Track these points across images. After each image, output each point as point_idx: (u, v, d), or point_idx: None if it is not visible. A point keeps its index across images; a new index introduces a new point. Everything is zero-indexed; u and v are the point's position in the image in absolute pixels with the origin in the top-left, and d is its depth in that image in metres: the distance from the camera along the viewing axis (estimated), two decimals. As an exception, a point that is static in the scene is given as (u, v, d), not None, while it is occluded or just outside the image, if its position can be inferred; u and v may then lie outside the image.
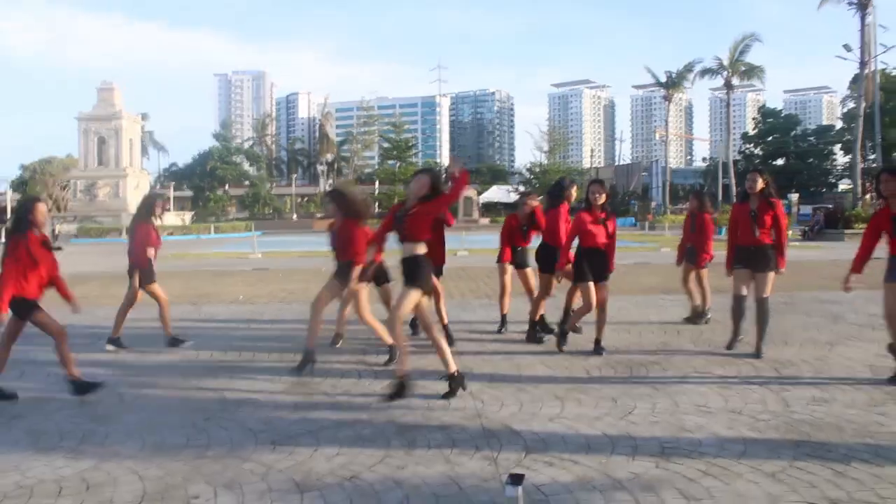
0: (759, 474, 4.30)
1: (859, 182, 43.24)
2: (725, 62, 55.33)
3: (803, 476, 4.27)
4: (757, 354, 7.43)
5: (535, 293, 8.63)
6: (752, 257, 7.54)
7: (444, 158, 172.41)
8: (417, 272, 6.05)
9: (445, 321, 8.29)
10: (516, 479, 3.84)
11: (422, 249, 6.12)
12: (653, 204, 65.00)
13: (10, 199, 76.26)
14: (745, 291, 7.67)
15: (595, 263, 7.65)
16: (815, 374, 6.77)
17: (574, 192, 8.88)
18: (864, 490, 4.05)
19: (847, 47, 39.65)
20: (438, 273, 8.02)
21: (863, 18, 37.43)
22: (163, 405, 6.01)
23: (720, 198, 58.34)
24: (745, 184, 7.64)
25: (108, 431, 5.34)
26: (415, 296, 6.03)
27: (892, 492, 4.01)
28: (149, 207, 8.59)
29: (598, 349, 7.67)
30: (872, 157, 76.37)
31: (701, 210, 9.78)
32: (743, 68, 55.74)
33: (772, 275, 7.53)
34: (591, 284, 7.60)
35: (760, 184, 7.52)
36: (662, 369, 7.04)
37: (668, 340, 8.48)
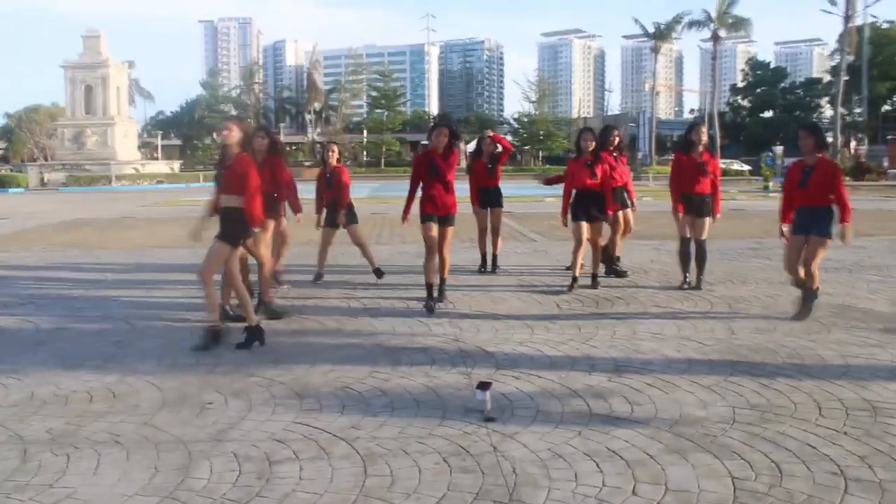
0: (696, 386, 5.00)
1: (839, 135, 43.78)
2: (713, 14, 55.41)
3: (733, 388, 4.96)
4: (698, 286, 8.34)
5: None
6: (697, 204, 8.28)
7: (433, 107, 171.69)
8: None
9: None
10: (484, 386, 4.56)
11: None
12: (639, 154, 65.46)
13: (-3, 147, 76.10)
14: (689, 234, 8.39)
15: (585, 204, 8.31)
16: (763, 308, 7.49)
17: (616, 136, 9.37)
18: (782, 397, 4.76)
19: (832, 0, 39.89)
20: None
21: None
22: (172, 333, 6.64)
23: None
24: (693, 135, 8.32)
25: (125, 354, 5.99)
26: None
27: (804, 398, 4.73)
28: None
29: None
30: (859, 111, 76.99)
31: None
32: (731, 20, 55.82)
33: (709, 220, 8.35)
34: (583, 224, 8.24)
35: (705, 137, 8.29)
36: (626, 304, 7.74)
37: (635, 279, 9.16)
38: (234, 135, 6.19)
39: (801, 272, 7.01)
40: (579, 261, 8.33)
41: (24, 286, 9.26)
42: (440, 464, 3.79)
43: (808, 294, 7.02)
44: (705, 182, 8.25)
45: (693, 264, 8.49)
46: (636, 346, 6.08)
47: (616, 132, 9.33)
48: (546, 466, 3.74)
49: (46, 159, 66.35)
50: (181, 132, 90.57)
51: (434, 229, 7.45)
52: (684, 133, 8.77)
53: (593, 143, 8.36)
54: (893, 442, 4.02)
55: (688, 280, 8.48)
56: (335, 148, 9.38)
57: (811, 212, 6.87)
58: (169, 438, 4.16)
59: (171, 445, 4.05)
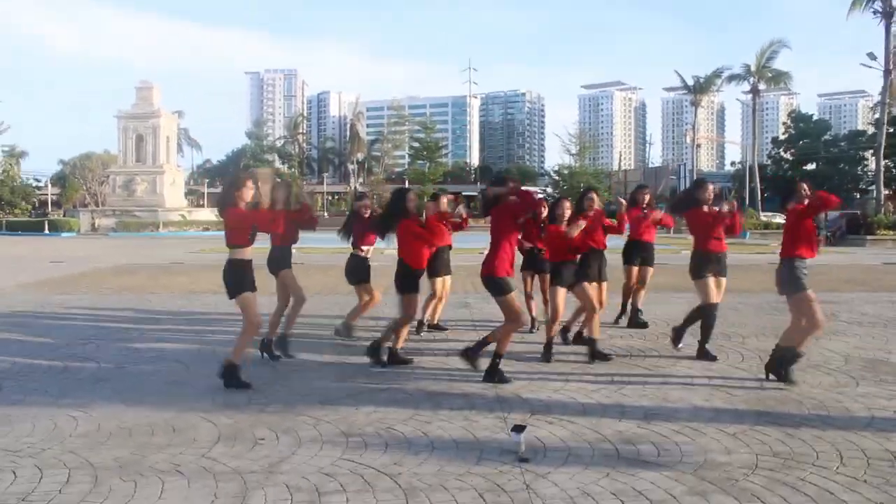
0: (722, 434, 5.23)
1: (882, 188, 43.46)
2: (753, 68, 55.66)
3: (758, 436, 5.18)
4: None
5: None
6: (720, 263, 7.85)
7: (475, 159, 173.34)
8: None
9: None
10: (519, 429, 4.85)
11: None
12: (680, 207, 65.30)
13: (50, 193, 78.67)
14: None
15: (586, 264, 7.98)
16: (793, 361, 7.64)
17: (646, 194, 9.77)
18: (805, 446, 4.96)
19: (871, 55, 39.98)
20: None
21: (888, 27, 37.74)
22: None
23: (747, 202, 58.64)
24: (699, 192, 7.81)
25: (182, 392, 6.39)
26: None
27: (826, 447, 4.93)
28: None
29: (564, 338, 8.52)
30: (903, 164, 76.09)
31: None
32: (770, 74, 56.02)
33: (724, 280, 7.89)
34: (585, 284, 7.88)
35: (712, 195, 7.80)
36: (659, 354, 7.96)
37: (667, 331, 9.35)
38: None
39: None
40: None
41: (84, 327, 9.78)
42: (477, 499, 4.08)
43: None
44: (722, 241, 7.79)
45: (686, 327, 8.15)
46: (665, 394, 6.32)
47: (646, 191, 9.70)
48: (575, 503, 4.01)
49: (97, 205, 68.46)
50: (227, 181, 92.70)
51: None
52: (691, 188, 8.28)
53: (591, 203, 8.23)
54: (911, 490, 4.21)
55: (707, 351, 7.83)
56: (367, 198, 9.32)
57: None
58: (225, 469, 4.51)
59: (228, 476, 4.40)
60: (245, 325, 6.60)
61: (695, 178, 68.68)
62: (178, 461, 4.66)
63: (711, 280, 7.67)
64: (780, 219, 58.90)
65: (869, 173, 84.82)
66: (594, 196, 8.37)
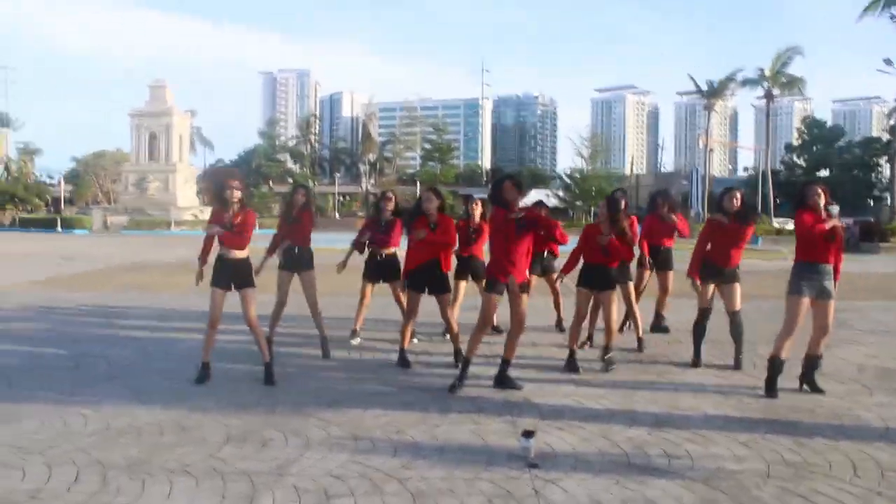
0: (733, 442, 5.19)
1: (896, 196, 43.20)
2: (767, 73, 55.44)
3: (769, 445, 5.14)
4: (738, 366, 7.63)
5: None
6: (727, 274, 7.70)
7: (486, 161, 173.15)
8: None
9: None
10: (528, 434, 4.82)
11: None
12: (691, 212, 65.14)
13: (63, 190, 79.04)
14: (711, 304, 7.80)
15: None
16: (805, 369, 7.57)
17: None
18: (817, 455, 4.92)
19: (888, 61, 39.74)
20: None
21: (904, 33, 37.53)
22: (234, 375, 7.03)
23: (759, 208, 58.36)
24: (725, 201, 7.65)
25: (191, 392, 6.39)
26: None
27: (839, 457, 4.88)
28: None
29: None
30: (919, 171, 75.51)
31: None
32: (784, 80, 55.76)
33: (739, 286, 7.73)
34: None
35: (739, 203, 7.60)
36: (669, 360, 7.91)
37: (679, 337, 9.31)
38: (238, 194, 6.85)
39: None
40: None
41: (95, 325, 9.81)
42: (485, 504, 4.06)
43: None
44: (738, 253, 7.68)
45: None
46: (676, 401, 6.28)
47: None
48: (584, 510, 3.99)
49: (110, 203, 68.84)
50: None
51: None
52: (718, 198, 8.06)
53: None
54: (925, 503, 4.16)
55: (697, 360, 7.73)
56: (392, 197, 8.88)
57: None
58: (234, 470, 4.50)
59: (237, 476, 4.40)
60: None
61: (706, 183, 68.48)
62: (187, 461, 4.65)
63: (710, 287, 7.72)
64: (791, 225, 58.69)
65: (883, 180, 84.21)
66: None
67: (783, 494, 4.24)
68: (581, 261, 7.80)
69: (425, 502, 4.07)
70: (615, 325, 7.66)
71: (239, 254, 6.81)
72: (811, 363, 6.70)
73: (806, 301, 6.52)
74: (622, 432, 5.39)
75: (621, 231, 7.41)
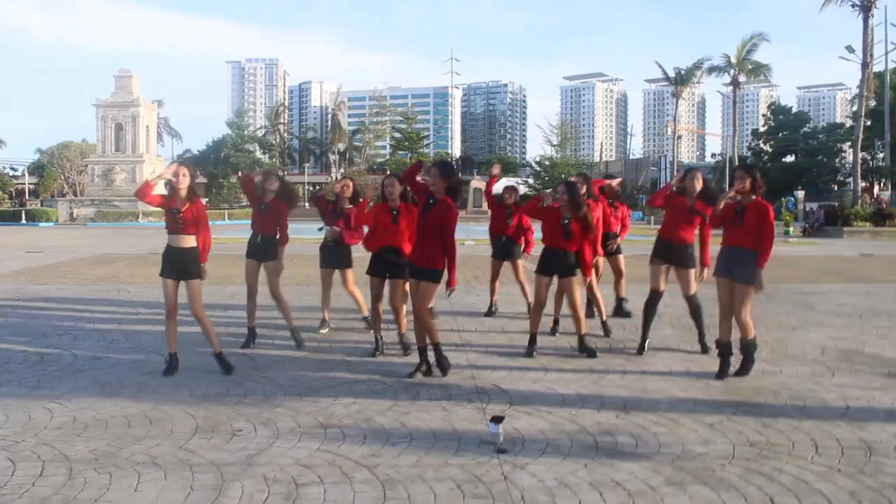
0: (699, 424, 5.26)
1: (859, 180, 43.84)
2: (733, 60, 55.95)
3: (735, 426, 5.22)
4: (704, 350, 7.67)
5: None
6: (678, 254, 7.64)
7: (456, 150, 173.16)
8: None
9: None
10: (497, 420, 4.85)
11: None
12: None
13: (28, 182, 77.80)
14: (661, 287, 7.77)
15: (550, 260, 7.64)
16: (770, 352, 7.68)
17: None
18: (781, 436, 5.01)
19: (850, 48, 40.23)
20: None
21: (865, 21, 37.99)
22: (203, 366, 6.96)
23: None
24: (687, 181, 7.59)
25: (159, 384, 6.33)
26: None
27: (802, 437, 4.97)
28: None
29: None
30: (882, 155, 76.77)
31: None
32: (750, 66, 56.31)
33: (694, 272, 7.64)
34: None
35: (700, 184, 7.56)
36: (637, 344, 7.97)
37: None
38: (187, 181, 6.69)
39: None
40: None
41: (61, 318, 9.67)
42: (454, 490, 4.08)
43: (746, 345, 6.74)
44: (689, 231, 7.59)
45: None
46: (644, 385, 6.35)
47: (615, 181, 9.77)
48: (553, 494, 4.02)
49: (76, 194, 67.76)
50: (207, 171, 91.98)
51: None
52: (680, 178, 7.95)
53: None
54: (885, 479, 4.26)
55: (645, 344, 7.72)
56: (350, 184, 8.65)
57: (736, 253, 6.60)
58: (202, 461, 4.48)
59: (205, 468, 4.37)
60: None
61: (675, 169, 69.05)
62: (155, 453, 4.62)
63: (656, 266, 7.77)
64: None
65: (847, 165, 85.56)
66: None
67: (747, 474, 4.31)
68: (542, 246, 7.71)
69: (395, 489, 4.07)
70: (581, 311, 7.62)
71: (184, 243, 6.64)
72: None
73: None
74: (591, 416, 5.44)
75: (583, 216, 7.34)
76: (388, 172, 7.95)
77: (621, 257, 9.66)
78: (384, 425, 5.22)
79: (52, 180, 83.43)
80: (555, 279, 7.58)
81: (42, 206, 59.69)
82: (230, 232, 33.93)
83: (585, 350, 7.50)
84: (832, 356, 7.54)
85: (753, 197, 6.59)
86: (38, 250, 22.47)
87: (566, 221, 7.36)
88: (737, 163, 61.99)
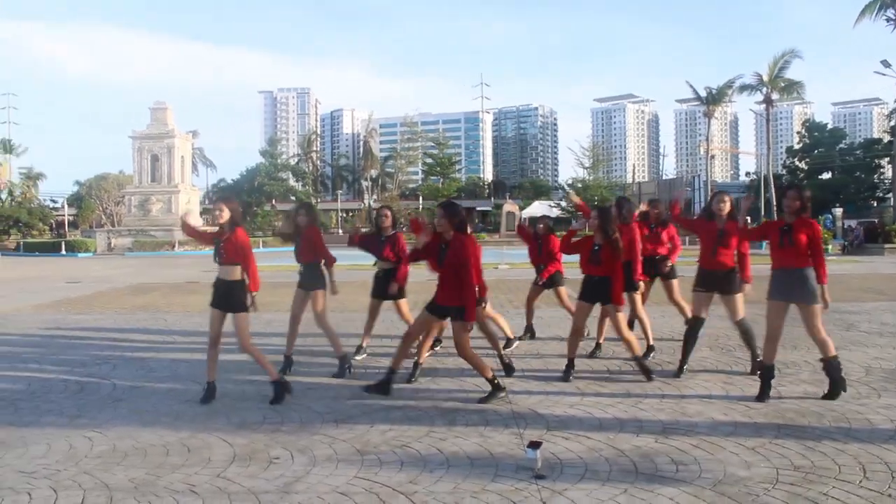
0: (741, 448, 5.16)
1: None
2: (765, 78, 55.49)
3: (778, 449, 5.11)
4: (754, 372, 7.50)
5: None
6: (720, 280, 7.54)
7: (488, 174, 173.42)
8: None
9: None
10: (535, 445, 4.80)
11: None
12: (695, 218, 65.03)
13: (67, 214, 79.30)
14: (703, 314, 7.63)
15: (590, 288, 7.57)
16: (812, 373, 7.53)
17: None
18: (826, 459, 4.89)
19: (885, 63, 39.73)
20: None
21: (902, 34, 37.57)
22: (240, 393, 7.01)
23: (762, 212, 58.36)
24: (714, 205, 7.56)
25: (196, 412, 6.38)
26: None
27: (848, 460, 4.85)
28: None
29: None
30: (920, 171, 75.42)
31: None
32: (783, 84, 55.79)
33: (740, 296, 7.55)
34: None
35: (728, 206, 7.52)
36: (675, 367, 7.87)
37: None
38: (225, 215, 6.72)
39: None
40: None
41: (100, 347, 9.81)
42: (492, 517, 4.04)
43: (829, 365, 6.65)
44: (727, 255, 7.47)
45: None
46: (683, 408, 6.25)
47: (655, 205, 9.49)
48: (593, 520, 3.96)
49: (113, 225, 68.91)
50: (241, 199, 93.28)
51: None
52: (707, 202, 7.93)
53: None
54: (935, 504, 4.13)
55: (684, 368, 7.65)
56: (388, 213, 8.72)
57: (791, 275, 6.59)
58: (240, 489, 4.49)
59: (243, 496, 4.38)
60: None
61: (709, 189, 68.46)
62: (193, 481, 4.64)
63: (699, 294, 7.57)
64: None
65: (886, 181, 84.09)
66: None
67: (792, 499, 4.22)
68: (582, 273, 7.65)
69: (432, 516, 4.05)
70: (627, 333, 7.44)
71: (228, 276, 6.69)
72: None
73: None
74: (629, 441, 5.36)
75: (613, 241, 7.25)
76: (440, 203, 7.85)
77: (675, 282, 9.23)
78: (421, 451, 5.20)
79: (91, 211, 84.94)
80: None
81: (81, 236, 60.73)
82: (266, 260, 34.24)
83: (643, 371, 7.39)
84: (877, 376, 7.37)
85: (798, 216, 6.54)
86: (77, 280, 22.86)
87: (597, 248, 7.34)
88: (772, 181, 61.45)
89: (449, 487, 4.47)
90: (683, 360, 7.67)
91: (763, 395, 6.50)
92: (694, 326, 7.65)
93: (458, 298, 6.50)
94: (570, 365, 7.50)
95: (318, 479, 4.67)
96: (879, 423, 5.76)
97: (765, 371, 6.65)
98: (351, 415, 6.18)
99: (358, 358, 8.58)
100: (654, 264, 9.02)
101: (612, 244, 7.27)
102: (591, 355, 8.51)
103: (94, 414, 6.34)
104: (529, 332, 9.95)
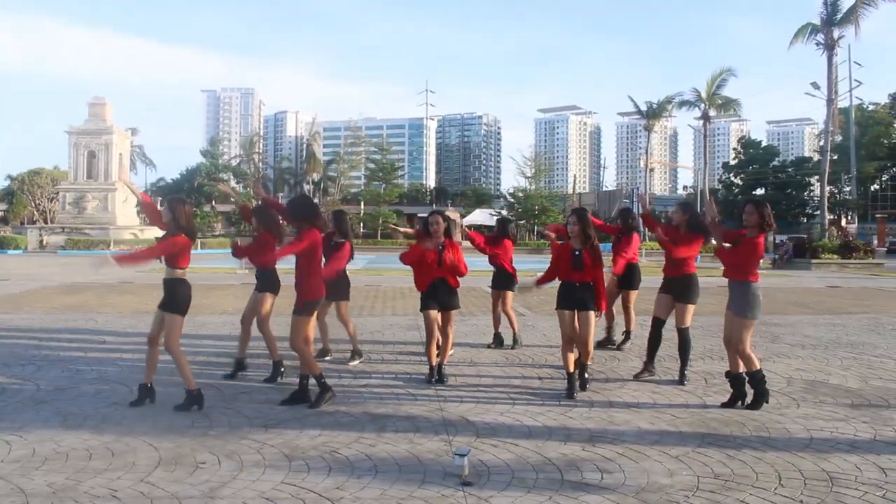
0: (665, 456, 5.29)
1: (826, 213, 44.60)
2: (703, 95, 56.86)
3: (700, 458, 5.25)
4: (681, 381, 7.82)
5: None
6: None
7: (431, 181, 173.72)
8: None
9: None
10: (462, 452, 4.83)
11: None
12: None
13: (-2, 209, 76.81)
14: (664, 316, 8.09)
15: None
16: (737, 383, 7.73)
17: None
18: (745, 468, 5.04)
19: (815, 85, 41.14)
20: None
21: (830, 59, 38.82)
22: (168, 397, 6.88)
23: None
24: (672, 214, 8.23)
25: (123, 415, 6.25)
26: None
27: (766, 468, 5.01)
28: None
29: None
30: (848, 189, 78.35)
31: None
32: (720, 101, 57.26)
33: (692, 307, 7.97)
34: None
35: (682, 216, 8.02)
36: (606, 377, 8.02)
37: (616, 354, 9.47)
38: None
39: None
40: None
41: (25, 347, 9.53)
42: (418, 523, 4.05)
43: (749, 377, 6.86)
44: (686, 263, 7.88)
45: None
46: (611, 417, 6.37)
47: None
48: (516, 527, 4.01)
49: (46, 222, 66.93)
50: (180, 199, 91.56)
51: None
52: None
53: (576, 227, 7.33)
54: (844, 511, 4.30)
55: (650, 368, 8.06)
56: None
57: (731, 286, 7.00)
58: (164, 495, 4.42)
59: (167, 501, 4.32)
60: None
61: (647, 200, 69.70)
62: (115, 486, 4.55)
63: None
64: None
65: (815, 198, 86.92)
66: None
67: (710, 506, 4.33)
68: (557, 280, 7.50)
69: (358, 522, 4.05)
70: (590, 344, 7.41)
71: (166, 273, 6.66)
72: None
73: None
74: (556, 448, 5.44)
75: (593, 247, 7.24)
76: (433, 211, 7.97)
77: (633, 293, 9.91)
78: (349, 457, 5.19)
79: (23, 207, 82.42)
80: None
81: (11, 233, 58.81)
82: (204, 262, 33.70)
83: (582, 381, 7.41)
84: (797, 387, 7.62)
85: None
86: (6, 278, 22.15)
87: (577, 253, 7.25)
88: (708, 195, 62.89)
89: (376, 494, 4.48)
90: (647, 362, 8.14)
91: (732, 402, 6.80)
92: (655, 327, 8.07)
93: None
94: (572, 378, 7.18)
95: (245, 484, 4.63)
96: (796, 432, 5.96)
97: (731, 379, 6.95)
98: (281, 419, 6.14)
99: (352, 363, 8.67)
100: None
101: (592, 249, 7.25)
102: (619, 347, 9.57)
103: (15, 417, 6.16)
104: (496, 340, 10.05)
